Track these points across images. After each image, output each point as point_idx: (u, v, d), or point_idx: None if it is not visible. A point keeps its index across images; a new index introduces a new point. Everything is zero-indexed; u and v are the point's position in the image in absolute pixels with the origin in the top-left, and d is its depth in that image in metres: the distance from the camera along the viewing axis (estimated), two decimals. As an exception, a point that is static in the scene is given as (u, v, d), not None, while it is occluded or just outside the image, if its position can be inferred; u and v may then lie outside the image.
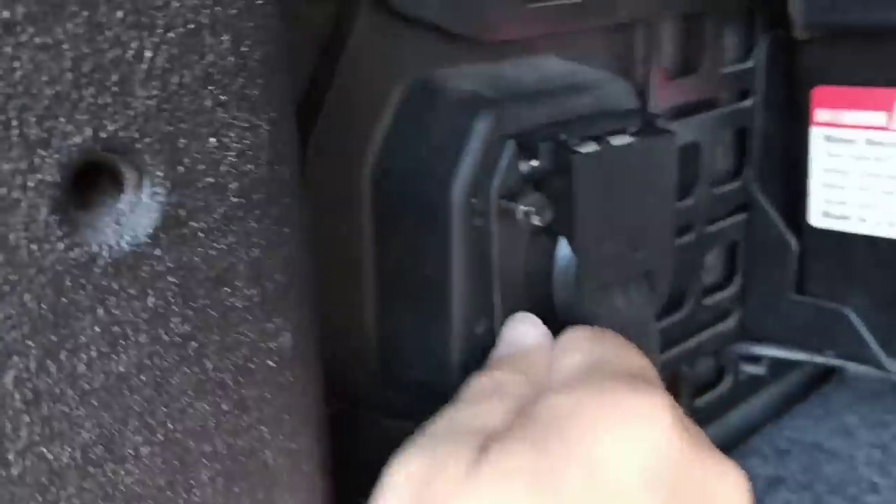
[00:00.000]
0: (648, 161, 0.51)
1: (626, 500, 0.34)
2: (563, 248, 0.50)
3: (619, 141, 0.51)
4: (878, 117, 0.68)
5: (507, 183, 0.49)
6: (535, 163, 0.48)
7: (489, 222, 0.49)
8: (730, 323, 0.80)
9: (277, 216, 0.33)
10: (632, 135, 0.51)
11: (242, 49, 0.30)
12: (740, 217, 0.77)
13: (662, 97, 0.67)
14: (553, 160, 0.48)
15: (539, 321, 0.48)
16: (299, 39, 0.49)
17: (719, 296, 0.79)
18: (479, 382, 0.45)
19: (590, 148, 0.49)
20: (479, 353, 0.51)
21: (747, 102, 0.74)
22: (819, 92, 0.71)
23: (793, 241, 0.75)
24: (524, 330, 0.48)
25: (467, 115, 0.49)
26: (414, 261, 0.51)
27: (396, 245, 0.52)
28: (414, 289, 0.52)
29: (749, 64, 0.73)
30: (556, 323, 0.51)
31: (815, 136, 0.72)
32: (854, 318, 0.73)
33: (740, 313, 0.80)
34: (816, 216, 0.73)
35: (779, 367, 0.84)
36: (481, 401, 0.43)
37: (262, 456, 0.35)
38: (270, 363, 0.34)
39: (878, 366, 0.73)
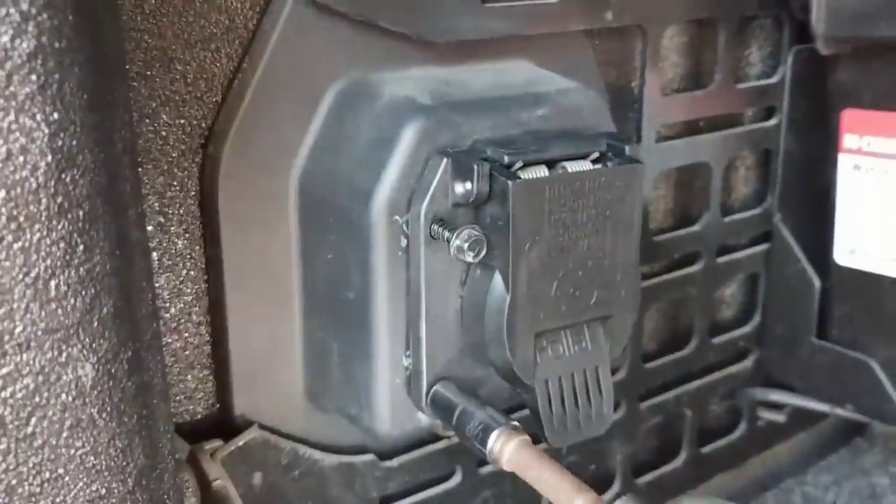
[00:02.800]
0: (610, 192, 0.45)
1: None
2: (498, 284, 0.44)
3: (575, 167, 0.44)
4: (911, 146, 0.60)
5: (439, 205, 0.43)
6: (469, 185, 0.42)
7: (417, 247, 0.44)
8: (746, 364, 0.72)
9: (69, 230, 0.28)
10: (593, 161, 0.45)
11: (2, 39, 0.26)
12: (761, 248, 0.69)
13: (664, 112, 0.60)
14: (490, 184, 0.43)
15: None
16: (219, 30, 0.45)
17: (735, 333, 0.71)
18: None
19: (536, 173, 0.43)
20: (406, 389, 0.46)
21: (772, 122, 0.67)
22: (849, 115, 0.63)
23: (816, 280, 0.67)
24: None
25: (395, 123, 0.44)
26: (338, 281, 0.47)
27: (322, 262, 0.47)
28: (339, 312, 0.47)
29: (774, 80, 0.66)
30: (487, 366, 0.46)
31: (844, 164, 0.64)
32: (878, 370, 0.65)
33: (758, 354, 0.72)
34: (842, 253, 0.66)
35: (803, 416, 0.76)
36: None
37: None
38: (66, 397, 0.30)
39: (902, 425, 0.64)
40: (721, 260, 0.67)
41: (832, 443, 0.78)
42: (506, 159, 0.43)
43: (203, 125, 0.45)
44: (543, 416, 0.45)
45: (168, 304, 0.47)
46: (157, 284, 0.46)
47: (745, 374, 0.72)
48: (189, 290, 0.47)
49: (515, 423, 0.43)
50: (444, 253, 0.44)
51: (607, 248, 0.45)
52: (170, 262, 0.46)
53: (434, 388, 0.45)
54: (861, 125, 0.62)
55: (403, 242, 0.44)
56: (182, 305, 0.47)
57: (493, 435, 0.42)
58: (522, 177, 0.43)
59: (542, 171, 0.44)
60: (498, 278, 0.44)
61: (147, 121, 0.44)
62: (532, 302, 0.44)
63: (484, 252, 0.43)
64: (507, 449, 0.42)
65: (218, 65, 0.45)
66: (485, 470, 0.58)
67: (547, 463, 0.41)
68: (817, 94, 0.65)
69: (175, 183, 0.45)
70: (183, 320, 0.48)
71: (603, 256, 0.46)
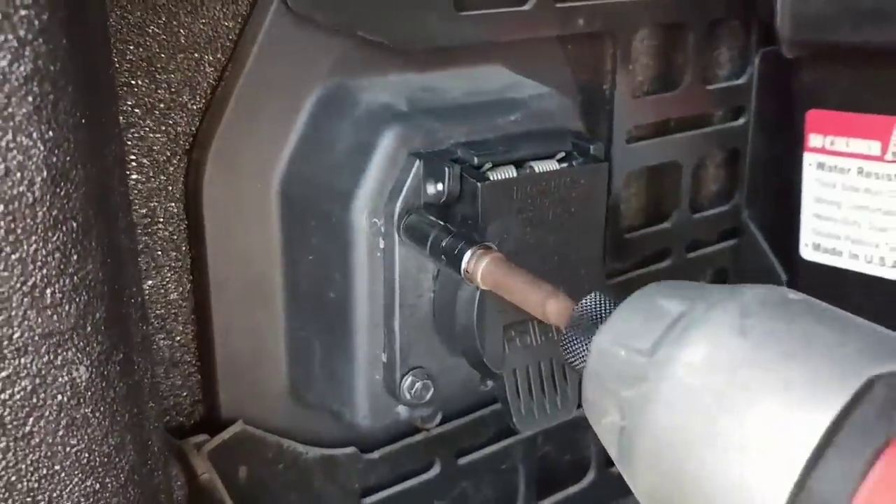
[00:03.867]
0: (575, 190, 0.47)
1: None
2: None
3: (542, 167, 0.46)
4: (872, 146, 0.62)
5: (412, 205, 0.45)
6: (440, 186, 0.44)
7: (392, 244, 0.46)
8: (716, 356, 0.75)
9: (63, 241, 0.30)
10: (560, 161, 0.47)
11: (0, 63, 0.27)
12: (729, 243, 0.72)
13: (634, 113, 0.62)
14: (460, 185, 0.45)
15: None
16: (202, 40, 0.46)
17: (705, 326, 0.73)
18: None
19: (504, 174, 0.45)
20: (383, 381, 0.48)
21: (740, 122, 0.69)
22: (813, 115, 0.65)
23: (782, 274, 0.69)
24: None
25: (374, 129, 0.46)
26: (319, 281, 0.48)
27: (303, 263, 0.49)
28: (320, 310, 0.49)
29: (742, 81, 0.68)
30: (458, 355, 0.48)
31: (808, 162, 0.66)
32: (841, 361, 0.67)
33: (728, 346, 0.74)
34: (807, 249, 0.68)
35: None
36: None
37: (55, 500, 0.32)
38: (62, 398, 0.31)
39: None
40: (691, 255, 0.69)
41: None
42: (475, 160, 0.45)
43: (187, 131, 0.47)
44: (511, 404, 0.47)
45: (155, 305, 0.49)
46: (145, 286, 0.48)
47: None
48: (175, 291, 0.49)
49: (488, 243, 0.43)
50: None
51: (573, 243, 0.47)
52: (156, 265, 0.48)
53: (408, 218, 0.45)
54: (825, 125, 0.65)
55: (381, 244, 0.46)
56: (168, 306, 0.49)
57: (467, 255, 0.42)
58: (491, 177, 0.45)
59: (510, 171, 0.46)
60: None
61: (133, 128, 0.45)
62: (501, 296, 0.46)
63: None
64: (480, 266, 0.42)
65: (201, 73, 0.47)
66: (463, 461, 0.60)
67: (519, 274, 0.41)
68: (784, 94, 0.67)
69: (160, 188, 0.47)
70: (170, 320, 0.49)
71: (569, 252, 0.48)
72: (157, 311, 0.49)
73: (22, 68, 0.28)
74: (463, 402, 0.54)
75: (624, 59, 0.60)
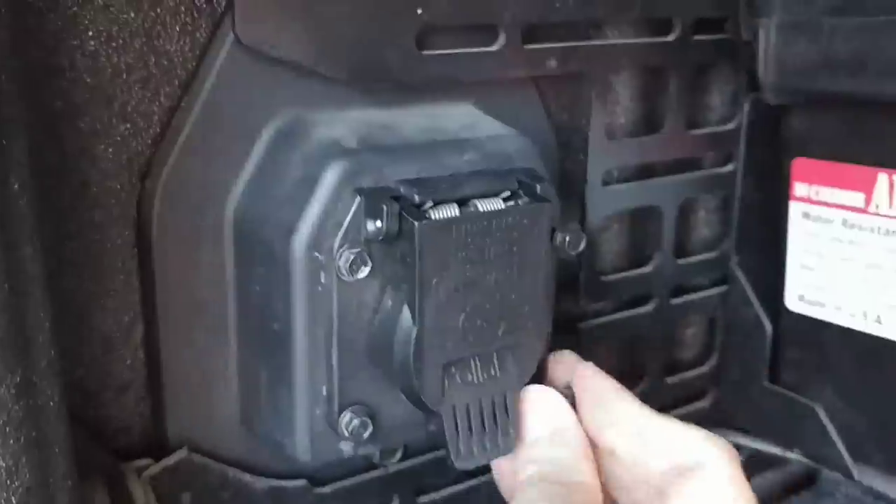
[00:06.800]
0: (517, 229, 0.47)
1: None
2: (407, 316, 0.46)
3: (486, 206, 0.46)
4: (856, 198, 0.61)
5: (351, 241, 0.45)
6: (379, 223, 0.44)
7: (330, 280, 0.46)
8: (703, 404, 0.73)
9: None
10: (505, 199, 0.47)
11: None
12: (717, 291, 0.70)
13: (611, 155, 0.61)
14: (399, 223, 0.45)
15: None
16: (158, 71, 0.47)
17: (692, 373, 0.72)
18: None
19: (445, 212, 0.45)
20: (323, 416, 0.48)
21: (728, 167, 0.68)
22: (799, 164, 0.64)
23: (768, 324, 0.68)
24: None
25: (320, 164, 0.46)
26: (265, 312, 0.49)
27: (252, 293, 0.50)
28: (266, 342, 0.49)
29: (730, 126, 0.67)
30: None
31: (794, 211, 0.65)
32: (823, 415, 0.65)
33: (715, 395, 0.73)
34: (792, 299, 0.66)
35: (761, 460, 0.76)
36: None
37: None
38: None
39: (845, 472, 0.65)
40: (675, 301, 0.68)
41: (788, 488, 0.79)
42: (416, 198, 0.45)
43: (141, 160, 0.48)
44: (450, 441, 0.46)
45: (105, 328, 0.49)
46: (97, 306, 0.49)
47: (701, 414, 0.73)
48: (126, 315, 0.50)
49: None
50: (356, 285, 0.46)
51: (515, 282, 0.47)
52: (106, 289, 0.49)
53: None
54: (810, 174, 0.63)
55: (322, 278, 0.46)
56: (118, 329, 0.50)
57: None
58: (432, 216, 0.45)
59: (453, 210, 0.45)
60: (406, 310, 0.46)
61: (86, 155, 0.46)
62: (439, 334, 0.45)
63: (366, 272, 0.45)
64: None
65: (157, 103, 0.47)
66: (424, 499, 0.60)
67: None
68: (772, 141, 0.66)
69: (113, 215, 0.48)
70: (119, 343, 0.50)
71: (510, 290, 0.47)
72: (108, 335, 0.49)
73: None
74: (412, 438, 0.53)
75: (601, 100, 0.60)
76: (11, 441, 0.34)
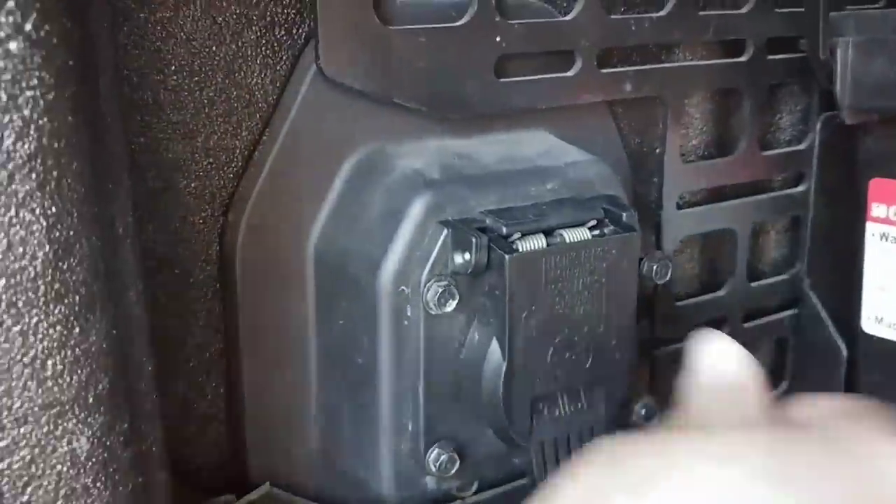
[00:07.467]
0: (605, 260, 0.46)
1: None
2: (495, 351, 0.45)
3: (572, 236, 0.46)
4: (938, 218, 0.59)
5: (438, 274, 0.45)
6: (468, 256, 0.44)
7: (418, 313, 0.45)
8: (775, 428, 0.72)
9: (65, 314, 0.30)
10: (591, 228, 0.46)
11: (5, 143, 0.28)
12: (788, 313, 0.69)
13: (686, 179, 0.60)
14: (488, 255, 0.44)
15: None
16: (239, 104, 0.47)
17: (763, 398, 0.71)
18: None
19: (533, 243, 0.44)
20: (409, 451, 0.47)
21: (800, 188, 0.66)
22: (876, 184, 0.63)
23: (843, 347, 0.66)
24: None
25: (404, 197, 0.46)
26: (349, 347, 0.48)
27: (335, 328, 0.49)
28: (350, 376, 0.49)
29: (802, 147, 0.66)
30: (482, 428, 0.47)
31: (871, 232, 0.64)
32: (904, 441, 0.63)
33: (787, 419, 0.71)
34: (869, 322, 0.65)
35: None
36: None
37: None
38: (61, 468, 0.32)
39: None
40: (748, 325, 0.67)
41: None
42: (504, 230, 0.44)
43: (223, 194, 0.48)
44: (538, 477, 0.46)
45: (188, 361, 0.49)
46: (180, 342, 0.48)
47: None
48: (208, 350, 0.49)
49: None
50: (443, 318, 0.45)
51: (603, 314, 0.46)
52: (189, 324, 0.48)
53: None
54: (888, 194, 0.62)
55: (408, 311, 0.45)
56: (201, 363, 0.49)
57: None
58: (520, 247, 0.44)
59: (540, 240, 0.45)
60: (495, 344, 0.45)
61: (169, 191, 0.46)
62: (528, 368, 0.45)
63: (453, 305, 0.45)
64: None
65: (238, 137, 0.47)
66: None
67: None
68: (846, 161, 0.65)
69: (196, 250, 0.47)
70: (202, 378, 0.50)
71: (599, 322, 0.47)
72: (190, 370, 0.49)
73: (26, 146, 0.28)
74: (496, 471, 0.53)
75: (675, 123, 0.59)
76: (120, 488, 0.33)
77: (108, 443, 0.33)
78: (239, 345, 0.49)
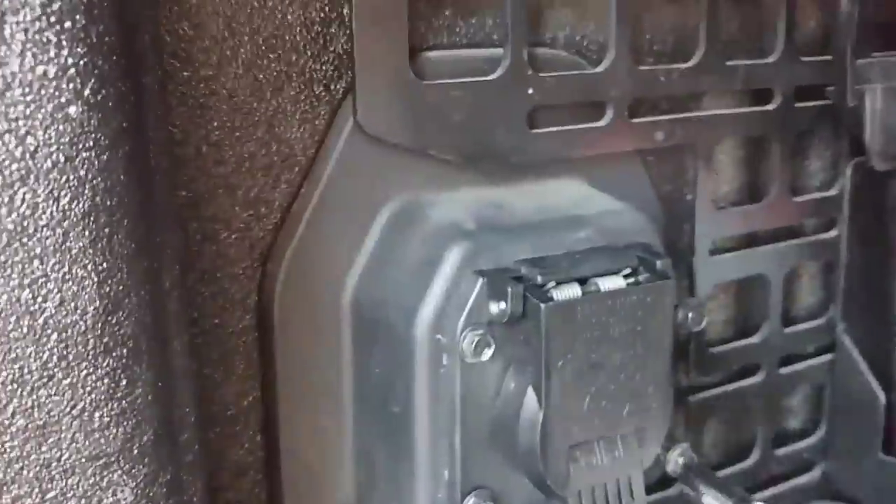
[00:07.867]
0: (641, 308, 0.46)
1: None
2: (531, 399, 0.45)
3: (607, 284, 0.46)
4: (973, 263, 0.59)
5: (474, 323, 0.45)
6: (503, 305, 0.44)
7: (454, 361, 0.46)
8: (813, 476, 0.71)
9: (113, 367, 0.31)
10: (625, 276, 0.47)
11: (62, 202, 0.29)
12: (824, 359, 0.69)
13: (717, 225, 0.61)
14: (523, 304, 0.44)
15: None
16: (279, 158, 0.48)
17: (800, 445, 0.70)
18: None
19: (568, 292, 0.45)
20: (446, 500, 0.48)
21: (832, 233, 0.67)
22: (909, 228, 0.63)
23: (880, 393, 0.66)
24: None
25: (440, 246, 0.47)
26: (385, 394, 0.49)
27: (371, 376, 0.50)
28: (385, 424, 0.49)
29: (833, 192, 0.66)
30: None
31: (905, 277, 0.63)
32: (947, 491, 0.63)
33: (824, 467, 0.71)
34: (907, 368, 0.65)
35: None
36: None
37: None
38: (107, 518, 0.32)
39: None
40: (784, 371, 0.67)
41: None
42: (539, 279, 0.45)
43: (262, 245, 0.48)
44: None
45: (227, 409, 0.50)
46: (218, 391, 0.49)
47: (811, 486, 0.71)
48: (245, 399, 0.50)
49: None
50: (479, 366, 0.45)
51: (639, 361, 0.47)
52: (226, 373, 0.49)
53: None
54: (922, 239, 0.62)
55: (445, 360, 0.46)
56: (238, 413, 0.50)
57: None
58: (555, 296, 0.44)
59: (574, 289, 0.45)
60: (531, 393, 0.45)
61: (209, 242, 0.47)
62: (564, 417, 0.45)
63: (489, 353, 0.45)
64: None
65: (278, 190, 0.48)
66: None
67: None
68: (877, 205, 0.65)
69: (235, 300, 0.48)
70: (239, 427, 0.50)
71: (634, 370, 0.47)
72: (227, 418, 0.50)
73: (81, 205, 0.29)
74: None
75: (706, 169, 0.59)
76: (163, 538, 0.34)
77: (151, 493, 0.33)
78: (277, 393, 0.50)
